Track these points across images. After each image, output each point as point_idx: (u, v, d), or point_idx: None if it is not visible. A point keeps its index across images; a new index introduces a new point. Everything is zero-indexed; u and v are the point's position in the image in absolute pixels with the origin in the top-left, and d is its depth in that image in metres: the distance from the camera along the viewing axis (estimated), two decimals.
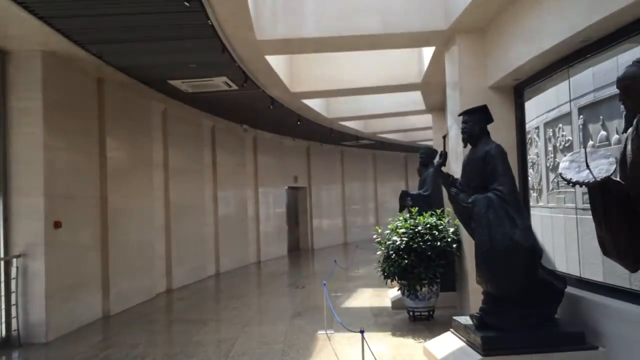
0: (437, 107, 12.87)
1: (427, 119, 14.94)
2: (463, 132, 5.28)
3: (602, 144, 6.64)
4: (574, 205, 6.53)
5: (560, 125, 8.09)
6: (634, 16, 4.48)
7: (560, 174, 3.04)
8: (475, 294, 6.62)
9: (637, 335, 4.44)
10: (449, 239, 7.14)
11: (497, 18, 6.67)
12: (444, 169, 5.68)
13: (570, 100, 6.89)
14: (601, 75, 6.11)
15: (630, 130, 3.04)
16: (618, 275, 5.66)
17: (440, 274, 7.09)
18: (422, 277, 7.04)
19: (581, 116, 7.17)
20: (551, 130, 7.18)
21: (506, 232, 4.73)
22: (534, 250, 4.82)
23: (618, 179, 3.04)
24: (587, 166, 2.97)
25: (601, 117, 6.62)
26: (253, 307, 9.86)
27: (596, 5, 4.61)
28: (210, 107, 13.09)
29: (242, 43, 7.69)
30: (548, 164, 7.37)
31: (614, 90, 6.11)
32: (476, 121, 5.22)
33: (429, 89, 11.03)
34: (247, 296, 11.24)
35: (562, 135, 7.89)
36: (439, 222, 7.32)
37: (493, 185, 4.91)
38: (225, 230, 14.59)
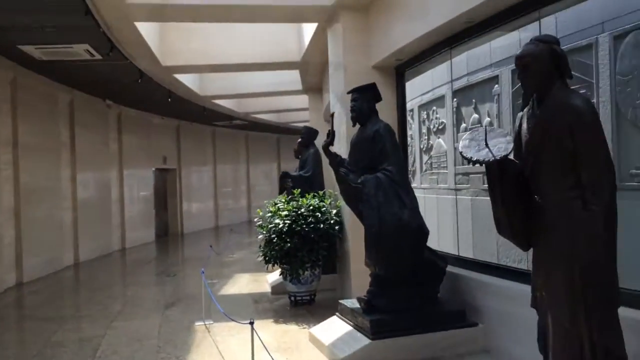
0: (314, 87, 12.77)
1: (302, 100, 14.80)
2: (352, 111, 5.12)
3: (474, 126, 6.91)
4: (447, 185, 6.75)
5: (435, 107, 8.34)
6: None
7: (461, 152, 2.95)
8: (357, 276, 6.59)
9: (511, 309, 4.63)
10: (332, 221, 7.02)
11: None
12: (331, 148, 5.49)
13: (452, 81, 7.06)
14: (474, 59, 6.28)
15: (526, 109, 3.04)
16: (489, 252, 5.93)
17: (323, 257, 6.96)
18: (305, 260, 6.85)
19: (455, 99, 7.42)
20: (425, 112, 7.32)
21: (395, 212, 4.67)
22: (422, 230, 4.82)
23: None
24: (487, 144, 2.91)
25: (474, 100, 6.88)
26: (119, 299, 9.03)
27: None
28: (69, 78, 11.77)
29: (108, 5, 6.85)
30: (422, 146, 7.53)
31: (486, 74, 6.36)
32: (365, 99, 5.09)
33: (308, 68, 10.85)
34: (112, 287, 10.34)
35: (436, 118, 8.13)
36: (321, 204, 7.16)
37: (382, 165, 4.82)
38: (86, 215, 13.33)
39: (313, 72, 11.21)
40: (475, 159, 2.88)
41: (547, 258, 2.84)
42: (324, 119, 12.48)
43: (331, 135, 5.18)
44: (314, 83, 12.36)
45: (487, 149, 2.90)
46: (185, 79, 12.46)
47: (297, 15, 7.87)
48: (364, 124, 5.12)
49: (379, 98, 5.25)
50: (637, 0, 4.27)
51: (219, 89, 14.29)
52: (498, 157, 2.84)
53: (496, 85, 6.31)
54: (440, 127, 7.73)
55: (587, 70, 4.80)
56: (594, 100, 4.73)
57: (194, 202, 21.01)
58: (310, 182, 8.19)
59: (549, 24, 5.18)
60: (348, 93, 5.31)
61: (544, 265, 2.87)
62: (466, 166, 6.94)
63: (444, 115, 8.01)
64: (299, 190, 7.46)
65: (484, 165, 2.95)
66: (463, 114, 7.22)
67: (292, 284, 7.20)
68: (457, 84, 7.28)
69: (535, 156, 2.86)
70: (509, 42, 5.96)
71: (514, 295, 4.61)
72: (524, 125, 2.99)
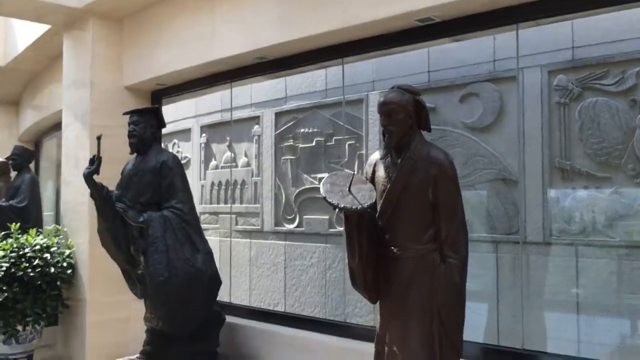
0: (9, 99, 10.69)
1: None
2: (132, 136, 4.34)
3: (227, 164, 6.78)
4: (229, 228, 6.42)
5: (176, 140, 7.90)
6: (312, 45, 4.58)
7: (325, 197, 2.76)
8: (94, 330, 5.65)
9: (293, 357, 4.58)
10: (65, 264, 5.82)
11: (141, 12, 5.94)
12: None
13: (196, 115, 6.78)
14: (232, 97, 6.20)
15: (378, 156, 3.03)
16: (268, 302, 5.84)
17: (52, 307, 5.68)
18: (27, 313, 5.47)
19: (204, 134, 7.17)
20: (164, 144, 6.88)
21: (187, 258, 4.11)
22: (216, 279, 4.35)
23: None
24: (350, 191, 2.80)
25: (228, 137, 6.77)
26: None
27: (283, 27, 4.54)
28: None
29: None
30: None
31: (245, 113, 6.30)
32: (148, 124, 4.40)
33: (12, 76, 8.99)
34: None
35: (178, 152, 7.71)
36: (50, 242, 5.89)
37: (170, 202, 4.20)
38: None
39: (16, 81, 9.38)
40: (342, 205, 2.72)
41: (402, 311, 2.83)
42: (19, 138, 10.57)
43: (97, 161, 4.31)
44: (11, 95, 10.36)
45: (351, 196, 2.78)
46: None
47: (24, 12, 6.42)
48: (144, 152, 4.41)
49: (163, 124, 4.62)
50: (405, 65, 4.84)
51: None
52: (365, 206, 2.75)
53: (256, 126, 6.33)
54: (184, 161, 7.32)
55: (358, 123, 5.22)
56: (362, 152, 5.16)
57: None
58: (25, 215, 6.70)
59: (330, 74, 5.48)
60: (126, 114, 4.52)
61: (399, 319, 2.85)
62: (215, 205, 6.73)
63: (189, 149, 7.64)
64: (18, 224, 5.98)
65: (342, 212, 2.82)
66: (214, 150, 7.01)
67: (4, 345, 5.64)
68: (209, 119, 7.04)
69: (395, 207, 2.86)
70: (272, 85, 6.08)
71: (307, 346, 4.55)
72: (379, 174, 2.97)
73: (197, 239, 4.24)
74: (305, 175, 5.68)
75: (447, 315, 2.75)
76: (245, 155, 6.51)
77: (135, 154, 4.46)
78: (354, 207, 2.71)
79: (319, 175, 5.55)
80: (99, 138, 4.33)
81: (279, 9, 4.44)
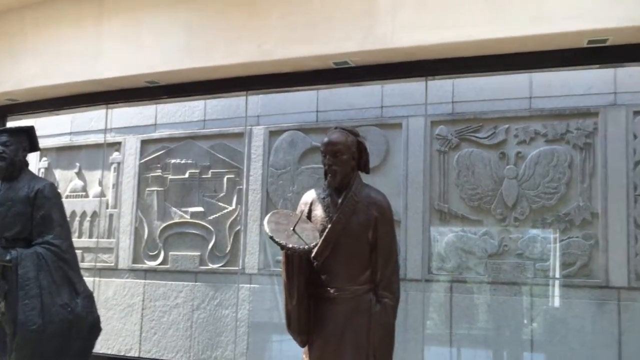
0: None
1: None
2: (1, 159, 3.62)
3: (77, 193, 6.09)
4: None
5: None
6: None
7: (272, 237, 2.65)
8: None
9: None
10: None
11: None
12: None
13: (70, 134, 6.07)
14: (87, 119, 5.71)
15: (315, 195, 2.97)
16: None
17: None
18: None
19: (45, 158, 6.39)
20: None
21: (65, 303, 3.48)
22: (97, 326, 3.73)
23: None
24: (294, 230, 2.74)
25: (77, 164, 6.11)
26: None
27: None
28: None
29: None
30: None
31: (99, 138, 5.75)
32: (20, 146, 3.73)
33: None
34: None
35: None
36: None
37: (45, 237, 3.55)
38: None
39: None
40: (290, 245, 2.64)
41: (337, 351, 2.77)
42: None
43: None
44: None
45: (296, 236, 2.71)
46: None
47: None
48: (14, 179, 3.70)
49: (36, 147, 3.94)
50: (294, 103, 4.92)
51: None
52: (312, 246, 2.70)
53: (116, 152, 5.83)
54: None
55: (239, 157, 5.11)
56: (243, 187, 5.05)
57: None
58: None
59: (210, 105, 5.30)
60: None
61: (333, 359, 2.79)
62: None
63: None
64: None
65: (289, 253, 2.72)
66: (57, 177, 6.24)
67: None
68: (52, 142, 6.29)
69: (333, 247, 2.83)
70: (138, 111, 5.68)
71: None
72: (317, 213, 2.91)
73: (77, 280, 3.64)
74: (175, 209, 5.34)
75: (381, 355, 2.78)
76: (100, 184, 5.92)
77: None
78: (301, 247, 2.65)
79: (191, 210, 5.27)
80: None
81: (187, 36, 4.22)
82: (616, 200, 3.83)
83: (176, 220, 5.32)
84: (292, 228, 2.72)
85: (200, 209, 5.22)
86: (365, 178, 3.00)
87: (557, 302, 4.03)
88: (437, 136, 4.35)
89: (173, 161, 5.41)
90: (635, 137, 3.84)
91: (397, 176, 4.43)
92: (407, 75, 3.79)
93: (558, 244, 3.98)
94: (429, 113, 4.32)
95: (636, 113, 3.82)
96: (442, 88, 4.32)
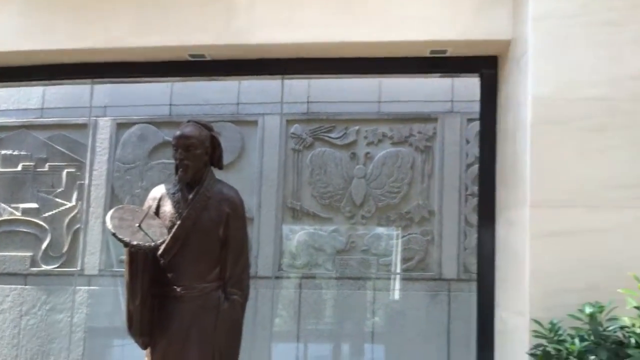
0: None
1: None
2: None
3: None
4: None
5: None
6: None
7: (114, 234, 2.50)
8: None
9: None
10: None
11: None
12: None
13: None
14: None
15: (165, 190, 2.86)
16: None
17: None
18: None
19: None
20: None
21: None
22: None
23: None
24: (140, 227, 2.61)
25: None
26: None
27: None
28: None
29: None
30: None
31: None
32: None
33: None
34: None
35: None
36: None
37: None
38: None
39: None
40: (135, 243, 2.50)
41: (181, 351, 2.67)
42: None
43: None
44: None
45: (142, 232, 2.57)
46: None
47: None
48: None
49: None
50: (145, 95, 4.70)
51: None
52: (159, 242, 2.59)
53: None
54: None
55: (81, 150, 4.74)
56: (85, 182, 4.69)
57: None
58: None
59: (49, 92, 4.84)
60: None
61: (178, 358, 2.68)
62: None
63: None
64: None
65: (126, 249, 2.58)
66: None
67: None
68: None
69: (182, 244, 2.73)
70: None
71: None
72: (166, 209, 2.79)
73: None
74: (4, 205, 4.79)
75: (227, 353, 2.74)
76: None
77: None
78: (146, 244, 2.54)
79: (23, 206, 4.77)
80: None
81: (24, 14, 3.78)
82: (450, 199, 4.19)
83: (5, 217, 4.77)
84: (137, 224, 2.60)
85: (34, 205, 4.74)
86: (218, 174, 2.96)
87: (397, 295, 4.29)
88: (292, 135, 4.42)
89: (4, 152, 4.86)
90: (467, 142, 4.23)
91: (252, 173, 4.42)
92: (263, 72, 3.78)
93: (400, 240, 4.25)
94: (284, 112, 4.38)
95: (470, 120, 4.21)
96: (298, 87, 4.40)
